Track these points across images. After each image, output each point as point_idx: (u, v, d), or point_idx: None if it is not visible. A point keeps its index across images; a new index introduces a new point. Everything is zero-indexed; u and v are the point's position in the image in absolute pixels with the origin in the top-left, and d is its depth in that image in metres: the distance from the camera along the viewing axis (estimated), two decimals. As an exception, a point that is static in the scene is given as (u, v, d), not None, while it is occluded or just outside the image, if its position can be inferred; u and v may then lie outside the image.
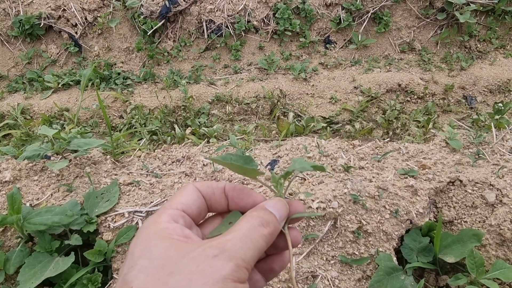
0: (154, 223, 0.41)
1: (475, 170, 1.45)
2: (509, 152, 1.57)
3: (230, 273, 0.36)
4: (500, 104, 1.66)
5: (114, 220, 1.32)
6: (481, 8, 2.84)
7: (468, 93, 2.61)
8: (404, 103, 2.58)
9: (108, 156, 1.70)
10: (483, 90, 2.62)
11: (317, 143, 1.67)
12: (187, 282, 0.34)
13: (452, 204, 1.37)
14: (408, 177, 1.42)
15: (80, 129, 2.05)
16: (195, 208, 0.45)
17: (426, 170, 1.47)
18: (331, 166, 1.54)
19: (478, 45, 2.93)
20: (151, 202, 1.37)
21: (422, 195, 1.35)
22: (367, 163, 1.57)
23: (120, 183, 1.48)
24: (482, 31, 2.96)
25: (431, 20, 2.92)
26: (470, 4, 2.78)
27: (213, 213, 0.50)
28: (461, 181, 1.39)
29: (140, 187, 1.48)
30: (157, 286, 0.35)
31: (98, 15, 2.89)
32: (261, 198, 0.47)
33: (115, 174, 1.57)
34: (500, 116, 1.94)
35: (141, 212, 1.34)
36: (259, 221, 0.42)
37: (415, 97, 2.59)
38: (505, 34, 2.94)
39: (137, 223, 1.31)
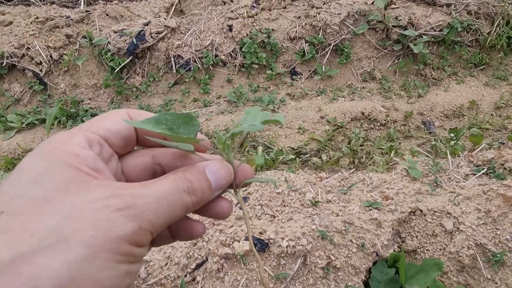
0: (64, 144, 0.33)
1: (433, 199, 1.54)
2: (463, 179, 1.68)
3: (128, 234, 0.30)
4: (452, 135, 1.78)
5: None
6: (433, 39, 3.06)
7: (426, 119, 2.77)
8: (368, 130, 2.70)
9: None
10: (440, 116, 2.79)
11: (286, 178, 1.71)
12: (73, 230, 0.28)
13: (415, 233, 1.44)
14: (373, 209, 1.49)
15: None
16: (120, 138, 0.37)
17: (389, 201, 1.54)
18: (300, 201, 1.58)
19: (433, 73, 3.13)
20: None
21: (386, 227, 1.41)
22: (334, 195, 1.63)
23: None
24: (436, 59, 3.17)
25: (388, 50, 3.11)
26: (422, 36, 2.99)
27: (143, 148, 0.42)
28: (421, 210, 1.46)
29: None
30: (28, 223, 0.27)
31: (64, 52, 2.88)
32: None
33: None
34: (455, 142, 2.07)
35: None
36: (186, 186, 0.35)
37: (378, 124, 2.72)
38: (456, 62, 3.17)
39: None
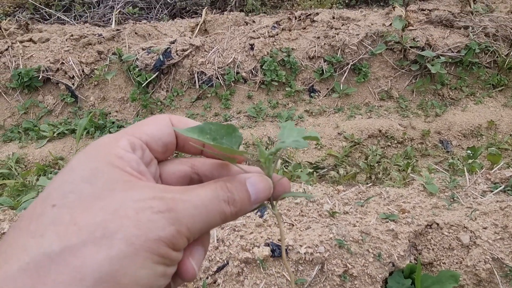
0: (109, 146, 0.35)
1: (450, 213, 1.56)
2: (481, 195, 1.69)
3: (167, 236, 0.31)
4: (469, 152, 1.81)
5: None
6: (450, 60, 3.11)
7: (444, 138, 2.79)
8: (385, 148, 2.73)
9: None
10: (457, 135, 2.81)
11: (304, 189, 1.77)
12: (117, 227, 0.29)
13: (431, 246, 1.46)
14: (389, 221, 1.52)
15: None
16: (160, 144, 0.38)
17: (406, 214, 1.58)
18: (317, 211, 1.63)
19: (450, 93, 3.16)
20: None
21: (402, 238, 1.44)
22: (351, 208, 1.67)
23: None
24: (453, 80, 3.21)
25: (405, 70, 3.17)
26: (440, 56, 3.05)
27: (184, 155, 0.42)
28: (437, 224, 1.49)
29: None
30: (77, 217, 0.30)
31: (95, 67, 3.06)
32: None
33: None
34: (472, 160, 2.09)
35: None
36: (227, 196, 0.36)
37: (395, 142, 2.75)
38: (474, 82, 3.20)
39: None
